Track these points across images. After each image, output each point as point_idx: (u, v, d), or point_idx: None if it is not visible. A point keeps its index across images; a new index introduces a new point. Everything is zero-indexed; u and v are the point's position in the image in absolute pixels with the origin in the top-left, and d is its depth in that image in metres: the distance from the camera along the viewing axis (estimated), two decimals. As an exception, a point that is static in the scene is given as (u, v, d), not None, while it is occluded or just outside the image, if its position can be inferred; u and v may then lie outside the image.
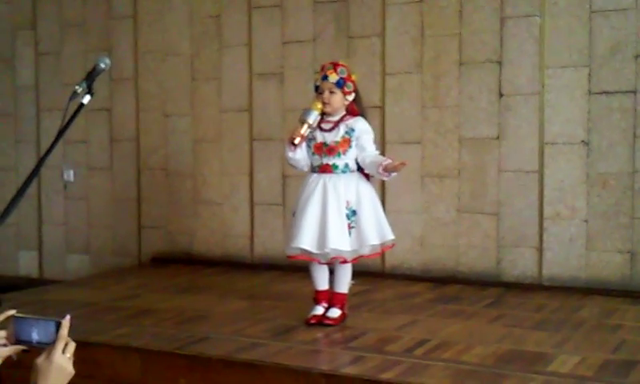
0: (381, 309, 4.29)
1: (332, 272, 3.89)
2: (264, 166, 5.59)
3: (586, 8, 4.61)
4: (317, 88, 3.82)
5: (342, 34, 5.28)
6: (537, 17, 4.73)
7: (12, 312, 1.88)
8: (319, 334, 3.71)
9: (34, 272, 6.60)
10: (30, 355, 1.83)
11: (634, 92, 4.52)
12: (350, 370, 3.16)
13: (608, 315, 4.05)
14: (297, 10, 5.43)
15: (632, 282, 4.55)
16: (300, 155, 3.81)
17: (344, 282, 3.86)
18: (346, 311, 3.91)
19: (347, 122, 3.79)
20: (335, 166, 3.76)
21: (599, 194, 4.62)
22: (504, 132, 4.84)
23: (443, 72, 4.99)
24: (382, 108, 5.15)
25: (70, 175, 6.37)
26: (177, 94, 5.92)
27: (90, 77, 2.52)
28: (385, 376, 3.03)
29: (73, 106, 2.45)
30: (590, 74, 4.61)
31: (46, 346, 1.79)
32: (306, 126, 3.72)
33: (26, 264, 6.65)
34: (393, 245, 3.89)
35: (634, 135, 4.53)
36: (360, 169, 3.80)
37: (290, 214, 3.97)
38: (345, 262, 3.77)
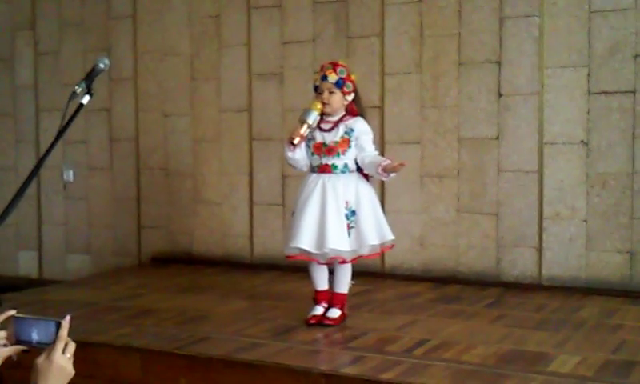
0: (381, 309, 4.29)
1: (332, 272, 3.89)
2: (264, 166, 5.59)
3: (585, 8, 4.61)
4: (316, 88, 3.82)
5: (342, 34, 5.29)
6: (536, 17, 4.73)
7: (12, 312, 1.88)
8: (319, 334, 3.71)
9: (33, 272, 6.60)
10: (30, 355, 1.83)
11: (634, 92, 4.52)
12: (350, 370, 3.16)
13: (608, 315, 4.05)
14: (296, 10, 5.43)
15: (632, 282, 4.55)
16: (299, 155, 3.81)
17: (344, 282, 3.86)
18: (345, 311, 3.91)
19: (346, 122, 3.79)
20: (334, 166, 3.76)
21: (599, 194, 4.62)
22: (503, 132, 4.84)
23: (442, 72, 4.99)
24: (381, 108, 5.15)
25: (69, 175, 6.36)
26: (176, 94, 5.92)
27: (90, 77, 2.52)
28: (385, 376, 3.03)
29: (72, 106, 2.46)
30: (589, 74, 4.61)
31: (46, 346, 1.79)
32: (305, 126, 3.72)
33: (26, 264, 6.64)
34: (392, 245, 3.89)
35: (634, 135, 4.53)
36: (359, 169, 3.80)
37: (290, 214, 3.97)
38: (344, 262, 3.77)
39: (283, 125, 5.41)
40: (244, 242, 5.69)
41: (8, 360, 1.84)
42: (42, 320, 1.83)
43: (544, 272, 4.76)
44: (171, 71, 5.93)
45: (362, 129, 3.78)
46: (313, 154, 3.80)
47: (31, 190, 6.24)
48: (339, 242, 3.67)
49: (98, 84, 2.56)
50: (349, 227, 3.71)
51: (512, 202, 4.83)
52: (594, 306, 4.26)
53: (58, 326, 1.80)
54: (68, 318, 1.82)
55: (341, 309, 3.87)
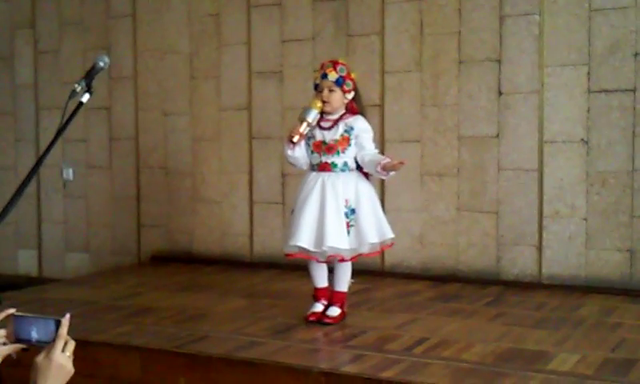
0: (380, 307, 4.29)
1: (332, 271, 3.89)
2: (263, 165, 5.59)
3: (585, 6, 4.61)
4: (316, 86, 3.82)
5: (342, 32, 5.28)
6: (536, 15, 4.72)
7: (11, 311, 1.88)
8: (319, 332, 3.71)
9: (33, 271, 6.60)
10: (29, 354, 1.83)
11: (634, 90, 4.52)
12: (350, 369, 3.16)
13: (607, 313, 4.05)
14: (296, 9, 5.43)
15: (631, 281, 4.56)
16: (299, 153, 3.81)
17: (344, 280, 3.86)
18: (345, 310, 3.91)
19: (346, 121, 3.79)
20: (334, 165, 3.76)
21: (599, 193, 4.62)
22: (503, 130, 4.84)
23: (442, 70, 4.99)
24: (381, 106, 5.15)
25: (69, 174, 6.36)
26: (176, 93, 5.92)
27: (89, 75, 2.52)
28: (384, 374, 3.03)
29: (72, 105, 2.46)
30: (589, 73, 4.61)
31: (46, 345, 1.79)
32: (305, 124, 3.72)
33: (26, 263, 6.64)
34: (392, 243, 3.89)
35: (634, 133, 4.52)
36: (359, 167, 3.80)
37: (289, 213, 3.97)
38: (343, 260, 3.77)
39: (283, 123, 5.41)
40: (244, 241, 5.69)
41: (7, 358, 1.84)
42: (41, 318, 1.83)
43: (544, 270, 4.76)
44: (171, 70, 5.93)
45: (361, 127, 3.78)
46: (312, 152, 3.80)
47: (31, 188, 6.23)
48: (338, 240, 3.67)
49: (97, 82, 2.55)
50: (348, 226, 3.71)
51: (512, 201, 4.83)
52: (594, 305, 4.26)
53: (58, 324, 1.80)
54: (68, 316, 1.82)
55: (340, 307, 3.87)
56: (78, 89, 2.51)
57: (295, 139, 3.72)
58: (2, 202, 2.30)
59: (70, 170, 6.36)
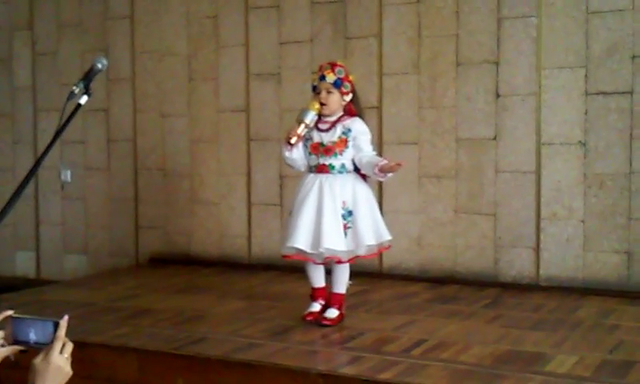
0: (378, 309, 4.29)
1: (329, 272, 3.89)
2: (261, 166, 5.59)
3: (582, 9, 4.61)
4: (314, 88, 3.82)
5: (339, 34, 5.29)
6: (533, 18, 4.73)
7: (9, 312, 1.87)
8: (317, 334, 3.71)
9: (31, 272, 6.59)
10: (27, 355, 1.82)
11: (631, 93, 4.52)
12: (348, 371, 3.17)
13: (605, 315, 4.06)
14: (294, 11, 5.43)
15: (629, 283, 4.56)
16: (297, 155, 3.81)
17: (341, 282, 3.86)
18: (343, 311, 3.91)
19: (344, 123, 3.79)
20: (332, 166, 3.76)
21: (596, 195, 4.63)
22: (501, 132, 4.84)
23: (440, 72, 4.99)
24: (379, 108, 5.15)
25: (67, 175, 6.36)
26: (174, 95, 5.92)
27: (87, 77, 2.52)
28: (382, 376, 3.03)
29: (70, 107, 2.46)
30: (586, 75, 4.62)
31: (44, 347, 1.79)
32: (302, 125, 3.72)
33: (23, 264, 6.64)
34: (390, 245, 3.89)
35: (631, 136, 4.53)
36: (357, 169, 3.80)
37: (287, 214, 3.97)
38: (340, 262, 3.77)
39: (281, 125, 5.40)
40: (241, 243, 5.69)
41: (6, 360, 1.84)
42: (39, 320, 1.82)
43: (541, 272, 4.76)
44: (169, 72, 5.93)
45: (359, 129, 3.78)
46: (310, 153, 3.81)
47: (29, 190, 6.22)
48: (335, 242, 3.67)
49: (95, 84, 2.56)
50: (345, 227, 3.71)
51: (510, 203, 4.83)
52: (592, 307, 4.26)
53: (56, 326, 1.80)
54: (66, 318, 1.82)
55: (338, 309, 3.87)
56: (76, 90, 2.51)
57: (293, 141, 3.72)
58: (0, 204, 2.30)
59: (68, 172, 6.35)
